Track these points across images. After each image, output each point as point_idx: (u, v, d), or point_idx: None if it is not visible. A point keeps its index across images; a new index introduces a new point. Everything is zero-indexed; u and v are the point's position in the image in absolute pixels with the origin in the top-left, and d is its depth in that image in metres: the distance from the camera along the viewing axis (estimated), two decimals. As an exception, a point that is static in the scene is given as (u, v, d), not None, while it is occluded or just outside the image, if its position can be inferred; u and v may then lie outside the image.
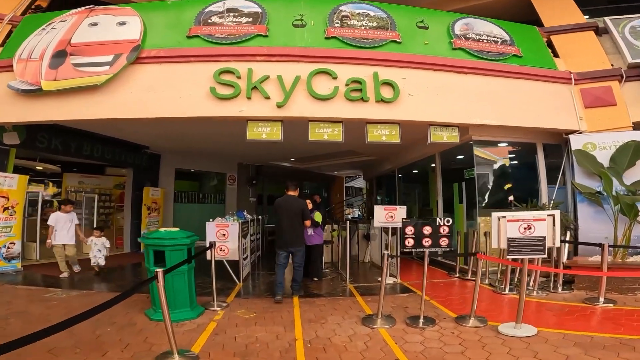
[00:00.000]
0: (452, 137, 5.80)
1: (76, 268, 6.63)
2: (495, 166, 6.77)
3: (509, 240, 3.42)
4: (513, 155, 7.02)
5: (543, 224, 3.34)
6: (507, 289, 5.29)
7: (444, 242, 3.84)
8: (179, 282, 3.98)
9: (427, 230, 3.82)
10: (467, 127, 6.27)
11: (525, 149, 7.01)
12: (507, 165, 6.90)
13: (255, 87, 5.50)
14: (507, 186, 6.77)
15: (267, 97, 5.45)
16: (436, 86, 5.85)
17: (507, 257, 3.52)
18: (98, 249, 6.60)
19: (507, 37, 6.72)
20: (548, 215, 3.37)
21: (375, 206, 6.07)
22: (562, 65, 6.71)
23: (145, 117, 5.52)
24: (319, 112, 5.48)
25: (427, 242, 3.82)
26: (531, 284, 5.50)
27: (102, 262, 6.60)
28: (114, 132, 8.02)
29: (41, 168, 11.56)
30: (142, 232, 9.20)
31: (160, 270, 2.78)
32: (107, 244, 6.78)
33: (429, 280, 6.24)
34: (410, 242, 3.79)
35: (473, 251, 6.20)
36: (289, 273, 5.46)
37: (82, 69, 5.69)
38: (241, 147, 9.69)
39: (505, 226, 3.41)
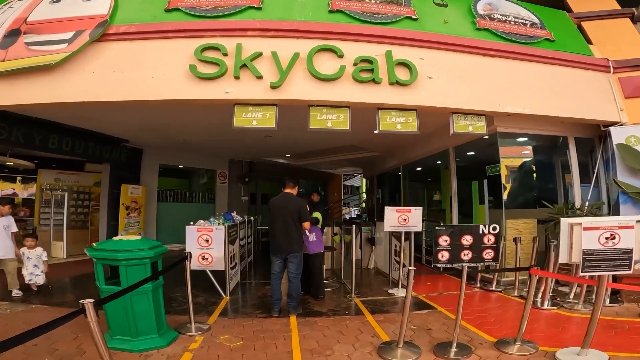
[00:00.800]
0: (478, 127, 4.94)
1: (16, 293, 4.95)
2: (523, 162, 5.96)
3: (584, 253, 2.58)
4: (541, 150, 6.23)
5: (631, 232, 2.52)
6: (546, 303, 4.48)
7: (488, 254, 3.01)
8: (140, 305, 3.09)
9: (467, 240, 2.98)
10: (492, 118, 5.46)
11: (553, 143, 6.22)
12: (536, 161, 6.10)
13: (244, 65, 4.60)
14: (533, 184, 5.96)
15: (259, 77, 4.56)
16: (459, 69, 5.02)
17: (581, 273, 2.68)
18: (33, 264, 5.10)
19: (536, 20, 5.94)
20: (638, 221, 2.54)
21: (385, 208, 5.22)
22: (597, 53, 5.95)
23: (108, 100, 4.60)
24: (321, 95, 4.60)
25: (466, 255, 2.98)
26: (572, 296, 4.72)
27: (41, 281, 5.13)
28: (84, 122, 7.06)
29: (12, 164, 10.54)
30: (119, 234, 8.25)
31: (89, 302, 1.89)
32: (45, 257, 5.22)
33: (447, 292, 5.41)
34: (444, 255, 2.95)
35: (499, 258, 5.36)
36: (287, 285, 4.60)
37: (35, 47, 4.83)
38: (232, 140, 8.78)
39: (580, 235, 2.57)
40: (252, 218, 8.07)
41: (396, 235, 5.95)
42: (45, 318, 4.16)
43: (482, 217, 6.09)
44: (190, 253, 3.69)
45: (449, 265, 3.03)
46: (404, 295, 5.21)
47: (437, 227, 3.00)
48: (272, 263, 4.50)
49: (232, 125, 4.65)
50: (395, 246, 6.02)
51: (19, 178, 13.13)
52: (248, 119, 4.64)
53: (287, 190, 4.61)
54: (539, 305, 4.58)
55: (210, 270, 5.01)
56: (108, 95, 4.58)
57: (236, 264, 5.73)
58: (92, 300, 1.93)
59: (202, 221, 5.05)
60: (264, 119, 4.60)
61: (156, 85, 4.58)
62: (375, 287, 5.91)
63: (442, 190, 7.45)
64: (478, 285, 5.67)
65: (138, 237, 3.20)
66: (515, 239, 5.20)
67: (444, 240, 2.97)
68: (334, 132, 4.66)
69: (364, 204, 18.15)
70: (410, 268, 2.97)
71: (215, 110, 5.73)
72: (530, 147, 6.07)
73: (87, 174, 10.64)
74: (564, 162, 6.23)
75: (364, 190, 22.00)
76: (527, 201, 5.81)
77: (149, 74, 4.64)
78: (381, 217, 10.48)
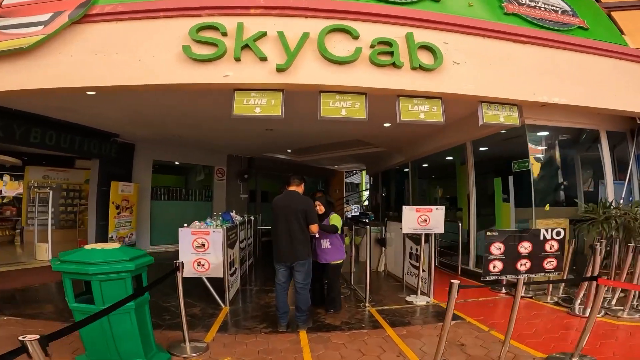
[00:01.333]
0: (510, 118, 4.44)
1: None
2: (552, 157, 5.47)
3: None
4: (570, 145, 5.75)
5: None
6: (588, 310, 3.98)
7: (550, 264, 2.51)
8: (121, 325, 2.55)
9: (525, 247, 2.47)
10: (520, 109, 4.94)
11: (582, 137, 5.76)
12: (565, 156, 5.61)
13: (247, 46, 4.04)
14: (562, 181, 5.47)
15: (264, 59, 4.01)
16: (488, 55, 4.51)
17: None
18: None
19: (567, 8, 5.46)
20: None
21: (403, 207, 4.70)
22: (630, 44, 5.46)
23: (87, 86, 4.05)
24: (335, 79, 4.05)
25: (523, 265, 2.48)
26: (614, 302, 4.23)
27: None
28: (69, 114, 6.46)
29: (-3, 160, 9.93)
30: (109, 235, 7.70)
31: (32, 340, 1.36)
32: None
33: (471, 298, 4.90)
34: (497, 266, 2.44)
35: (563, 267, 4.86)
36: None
37: (9, 31, 4.31)
38: (230, 135, 8.22)
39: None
40: (252, 217, 7.53)
41: (412, 236, 5.44)
42: (13, 333, 3.56)
43: (506, 217, 5.58)
44: (182, 263, 3.12)
45: (501, 277, 2.52)
46: (424, 303, 4.74)
47: (488, 233, 2.49)
48: (277, 272, 3.93)
49: (232, 113, 4.11)
50: (411, 249, 5.51)
51: (9, 176, 12.51)
52: (250, 106, 4.09)
53: (292, 188, 4.05)
54: (577, 312, 4.10)
55: (208, 278, 4.47)
56: (88, 80, 4.01)
57: (236, 269, 5.19)
58: (37, 336, 1.38)
59: (197, 223, 4.50)
60: (268, 107, 4.04)
61: (144, 69, 4.02)
62: (389, 293, 5.39)
63: (458, 187, 6.94)
64: (503, 291, 5.18)
65: (116, 245, 2.64)
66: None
67: (496, 249, 2.45)
68: (349, 121, 4.12)
69: (366, 202, 17.64)
70: (452, 281, 2.45)
71: (213, 98, 5.20)
72: (559, 141, 5.57)
73: (78, 170, 10.06)
74: (592, 158, 5.76)
75: (364, 188, 21.48)
76: (557, 199, 5.32)
77: (135, 56, 4.07)
78: (392, 217, 9.97)
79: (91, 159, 8.14)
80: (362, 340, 3.58)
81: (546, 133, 5.50)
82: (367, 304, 4.66)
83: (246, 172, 11.22)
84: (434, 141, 7.54)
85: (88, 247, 2.59)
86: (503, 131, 5.73)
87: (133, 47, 4.10)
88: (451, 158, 7.47)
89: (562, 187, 5.48)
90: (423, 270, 4.84)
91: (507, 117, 4.40)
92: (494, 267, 2.48)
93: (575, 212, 5.22)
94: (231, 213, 5.67)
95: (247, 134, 7.96)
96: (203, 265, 4.29)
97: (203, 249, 4.26)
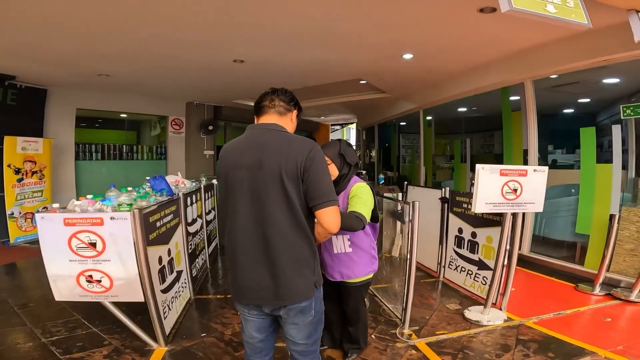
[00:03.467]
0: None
1: None
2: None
3: None
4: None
5: None
6: None
7: None
8: None
9: None
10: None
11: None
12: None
13: None
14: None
15: None
16: None
17: None
18: None
19: None
20: None
21: (478, 167, 2.63)
22: None
23: None
24: None
25: None
26: None
27: None
28: None
29: None
30: (8, 212, 5.37)
31: None
32: None
33: (569, 309, 3.10)
34: None
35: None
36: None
37: None
38: (182, 73, 5.75)
39: None
40: (213, 181, 5.32)
41: (460, 212, 3.52)
42: None
43: (604, 182, 3.67)
44: None
45: None
46: (500, 323, 2.81)
47: None
48: (242, 321, 1.57)
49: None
50: (460, 231, 3.60)
51: None
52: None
53: (269, 119, 1.53)
54: None
55: (118, 303, 2.38)
56: None
57: (178, 274, 3.09)
58: None
59: (81, 202, 2.21)
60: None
61: None
62: (426, 300, 3.49)
63: (505, 142, 4.98)
64: (599, 292, 3.42)
65: None
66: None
67: None
68: None
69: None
70: None
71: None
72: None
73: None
74: None
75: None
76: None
77: None
78: (391, 179, 8.06)
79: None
80: None
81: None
82: (406, 330, 2.76)
83: (211, 124, 8.83)
84: (466, 82, 5.44)
85: None
86: (554, 76, 4.02)
87: None
88: (492, 104, 5.42)
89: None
90: (500, 268, 2.93)
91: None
92: None
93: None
94: (171, 177, 3.45)
95: (208, 68, 5.51)
96: (100, 281, 2.17)
97: (94, 253, 2.12)
